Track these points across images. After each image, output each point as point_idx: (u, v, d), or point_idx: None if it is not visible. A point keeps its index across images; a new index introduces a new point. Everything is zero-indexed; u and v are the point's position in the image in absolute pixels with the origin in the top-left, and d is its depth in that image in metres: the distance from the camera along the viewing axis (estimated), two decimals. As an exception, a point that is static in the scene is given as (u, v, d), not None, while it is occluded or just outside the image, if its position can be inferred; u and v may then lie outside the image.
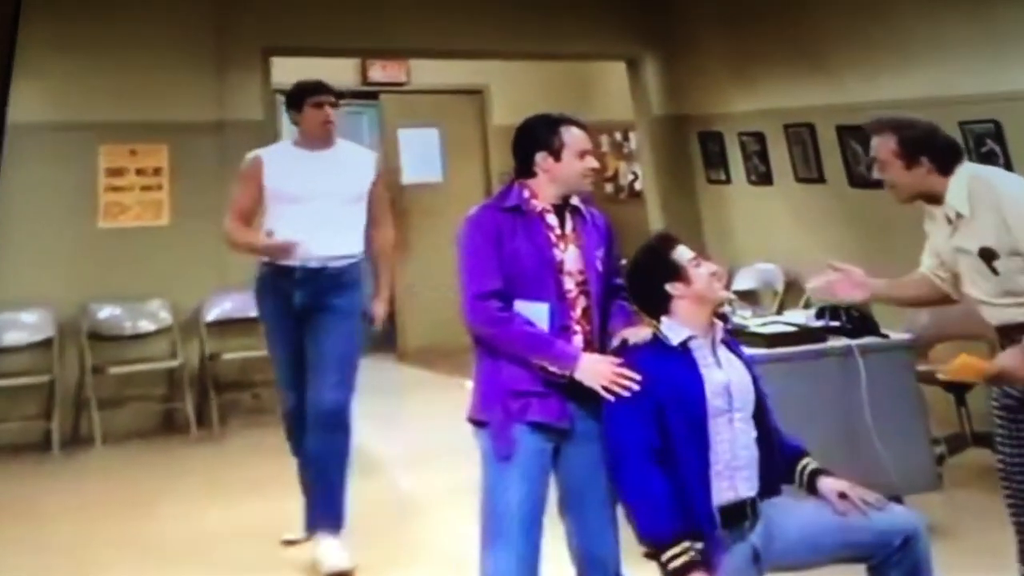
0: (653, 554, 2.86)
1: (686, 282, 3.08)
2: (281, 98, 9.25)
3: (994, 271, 3.13)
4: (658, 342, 3.07)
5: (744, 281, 7.95)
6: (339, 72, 9.81)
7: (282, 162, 4.59)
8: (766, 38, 7.69)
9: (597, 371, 3.01)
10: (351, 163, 4.67)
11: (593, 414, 3.14)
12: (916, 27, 6.32)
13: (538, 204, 3.17)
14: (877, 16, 6.64)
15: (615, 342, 3.14)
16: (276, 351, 4.64)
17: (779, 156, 7.75)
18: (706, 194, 8.72)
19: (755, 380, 3.12)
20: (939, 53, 6.00)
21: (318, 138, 4.61)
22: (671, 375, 2.97)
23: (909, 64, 6.11)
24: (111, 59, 7.29)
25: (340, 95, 4.80)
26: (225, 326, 7.33)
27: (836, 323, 4.72)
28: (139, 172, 7.44)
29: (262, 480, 5.67)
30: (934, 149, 3.21)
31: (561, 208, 3.19)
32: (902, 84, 6.19)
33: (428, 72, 9.97)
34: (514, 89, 9.93)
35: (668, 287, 3.07)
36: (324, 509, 4.48)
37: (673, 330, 3.07)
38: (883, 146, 3.25)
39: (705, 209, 8.73)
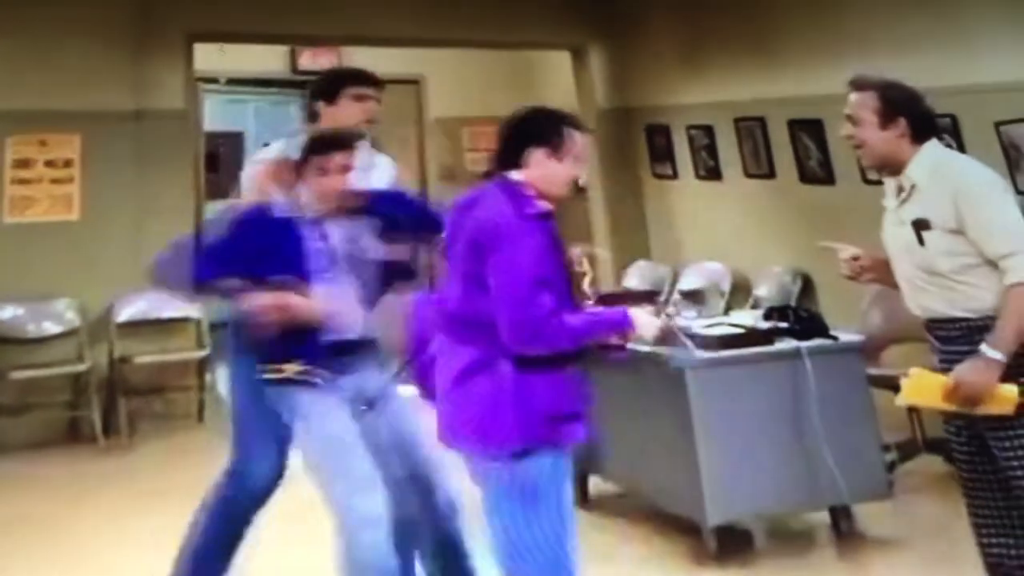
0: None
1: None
2: (204, 86, 9.17)
3: (920, 241, 3.14)
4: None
5: (690, 280, 7.92)
6: (267, 60, 9.71)
7: None
8: (717, 28, 7.69)
9: (648, 323, 3.02)
10: (374, 174, 3.86)
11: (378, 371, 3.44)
12: (871, 20, 6.34)
13: None
14: (831, 8, 6.65)
15: None
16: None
17: (728, 150, 7.75)
18: (652, 189, 8.70)
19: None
20: (895, 47, 6.02)
21: None
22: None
23: (864, 57, 6.10)
24: (20, 42, 7.08)
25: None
26: (138, 327, 7.17)
27: (784, 324, 4.70)
28: (49, 164, 7.27)
29: (177, 488, 5.49)
30: (913, 114, 3.22)
31: None
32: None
33: (361, 60, 9.77)
34: (452, 79, 9.87)
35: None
36: None
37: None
38: (863, 103, 3.24)
39: (650, 204, 8.72)
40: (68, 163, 7.30)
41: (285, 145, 3.89)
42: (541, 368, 2.90)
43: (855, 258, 3.39)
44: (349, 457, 3.23)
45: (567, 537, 2.94)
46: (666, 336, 3.07)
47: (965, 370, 3.05)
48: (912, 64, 5.83)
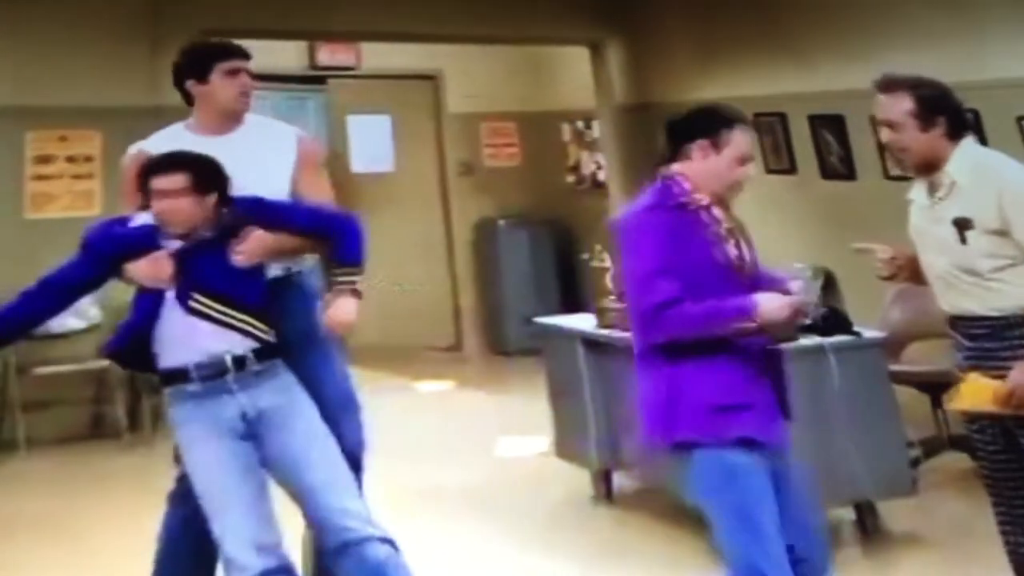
0: None
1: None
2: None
3: (963, 240, 3.12)
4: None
5: (711, 277, 7.95)
6: (285, 55, 9.72)
7: None
8: (736, 22, 7.69)
9: (777, 306, 2.97)
10: (267, 148, 3.67)
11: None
12: (891, 15, 6.34)
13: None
14: (851, 4, 6.66)
15: None
16: None
17: (748, 146, 7.75)
18: (672, 186, 8.71)
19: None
20: (916, 41, 6.03)
21: (229, 118, 3.65)
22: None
23: (885, 51, 6.12)
24: (40, 39, 7.15)
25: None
26: (160, 323, 7.21)
27: (807, 321, 4.71)
28: (69, 160, 7.32)
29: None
30: (950, 110, 3.17)
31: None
32: (877, 72, 6.19)
33: (380, 56, 9.88)
34: (470, 75, 9.89)
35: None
36: None
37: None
38: (895, 106, 3.16)
39: (671, 201, 8.72)
40: (89, 159, 7.36)
41: (167, 132, 3.77)
42: (694, 357, 2.93)
43: (892, 258, 3.36)
44: (224, 499, 3.19)
45: (756, 539, 2.89)
46: (799, 314, 3.04)
47: (1021, 375, 3.04)
48: (933, 59, 5.85)
